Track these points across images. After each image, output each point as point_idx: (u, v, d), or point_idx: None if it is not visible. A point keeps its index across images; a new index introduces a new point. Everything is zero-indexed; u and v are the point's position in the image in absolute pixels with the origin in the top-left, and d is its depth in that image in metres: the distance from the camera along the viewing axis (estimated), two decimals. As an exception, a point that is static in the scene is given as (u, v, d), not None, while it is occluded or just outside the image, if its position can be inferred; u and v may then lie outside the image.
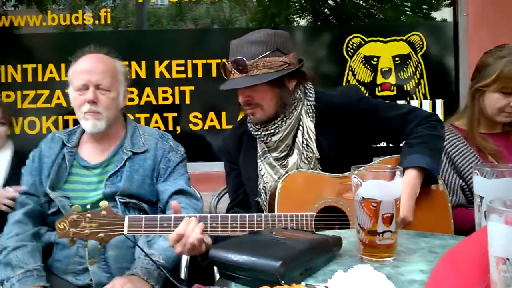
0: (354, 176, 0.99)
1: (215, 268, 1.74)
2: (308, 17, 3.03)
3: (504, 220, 0.63)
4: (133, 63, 2.64)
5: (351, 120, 1.55)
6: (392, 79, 2.68)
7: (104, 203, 1.35)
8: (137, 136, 1.73)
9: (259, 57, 1.46)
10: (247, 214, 1.37)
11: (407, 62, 2.68)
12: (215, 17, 3.13)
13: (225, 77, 1.54)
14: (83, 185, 1.66)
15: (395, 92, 2.68)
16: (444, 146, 1.58)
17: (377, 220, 0.97)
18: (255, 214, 1.37)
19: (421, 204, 1.45)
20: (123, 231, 1.33)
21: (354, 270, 0.79)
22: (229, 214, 1.38)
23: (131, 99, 2.62)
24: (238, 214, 1.37)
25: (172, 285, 1.52)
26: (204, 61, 2.65)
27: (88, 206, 1.36)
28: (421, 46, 2.68)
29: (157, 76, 2.65)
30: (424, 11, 2.99)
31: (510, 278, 0.62)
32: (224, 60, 1.54)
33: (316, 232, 1.17)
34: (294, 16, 3.03)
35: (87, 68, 1.62)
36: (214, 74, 2.65)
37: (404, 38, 2.68)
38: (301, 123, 1.55)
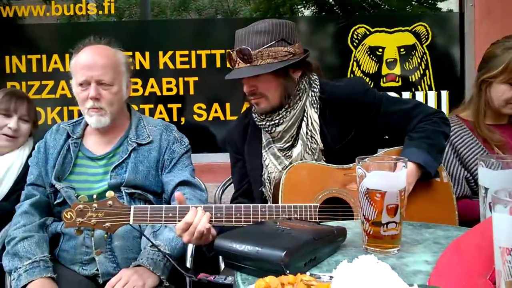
0: (359, 167, 0.99)
1: (220, 258, 1.76)
2: (313, 8, 3.01)
3: (509, 210, 0.62)
4: (137, 54, 2.63)
5: (356, 112, 1.54)
6: (397, 70, 2.67)
7: (110, 193, 1.36)
8: (142, 127, 1.73)
9: (264, 46, 1.45)
10: (251, 205, 1.38)
11: (412, 53, 2.66)
12: (219, 7, 3.11)
13: (231, 67, 1.54)
14: (88, 176, 1.67)
15: (400, 83, 2.67)
16: (446, 142, 1.56)
17: (381, 211, 0.97)
18: (259, 205, 1.38)
19: (425, 196, 1.45)
20: (129, 220, 1.35)
21: (359, 260, 0.79)
22: (233, 205, 1.38)
23: (135, 90, 2.62)
24: (242, 205, 1.38)
25: (178, 276, 1.54)
26: (208, 51, 2.64)
27: (95, 196, 1.37)
28: (426, 36, 2.66)
29: (161, 67, 2.65)
30: (430, 1, 2.96)
31: (515, 269, 0.62)
32: (228, 50, 1.54)
33: (321, 223, 1.17)
34: (299, 6, 3.02)
35: (88, 63, 1.60)
36: (218, 65, 2.64)
37: (409, 28, 2.66)
38: (305, 114, 1.55)
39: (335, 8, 3.01)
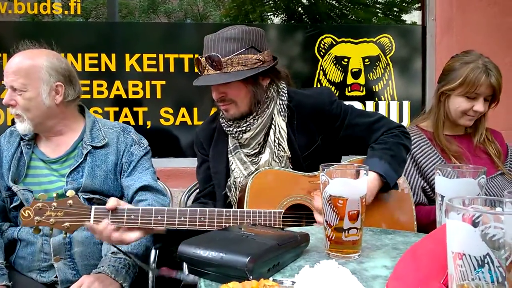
0: (323, 174, 1.02)
1: (184, 264, 1.74)
2: (282, 15, 3.05)
3: (461, 217, 0.66)
4: (103, 56, 2.59)
5: (321, 122, 1.57)
6: (361, 80, 2.74)
7: (71, 192, 1.33)
8: (97, 130, 1.68)
9: (234, 54, 1.46)
10: (216, 209, 1.38)
11: (376, 64, 2.74)
12: (188, 11, 3.11)
13: (199, 73, 1.54)
14: (43, 178, 1.62)
15: (364, 93, 2.74)
16: (407, 154, 1.61)
17: (343, 217, 0.99)
18: (223, 209, 1.38)
19: (386, 206, 1.50)
20: (89, 221, 1.31)
21: (320, 265, 0.81)
22: (198, 209, 1.38)
23: (101, 92, 2.57)
24: (207, 209, 1.38)
25: (140, 284, 1.52)
26: (176, 55, 2.63)
27: (55, 195, 1.33)
28: (390, 48, 2.75)
29: (127, 69, 2.61)
30: (395, 13, 3.07)
31: (465, 272, 0.65)
32: (197, 56, 1.53)
33: (284, 229, 1.19)
34: (269, 14, 3.05)
35: (5, 69, 1.58)
36: (186, 69, 2.63)
37: (374, 40, 2.75)
38: (273, 122, 1.57)
39: (304, 16, 3.06)
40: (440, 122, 1.85)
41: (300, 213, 1.48)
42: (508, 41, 2.72)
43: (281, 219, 1.39)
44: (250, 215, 1.37)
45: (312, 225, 1.42)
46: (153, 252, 1.66)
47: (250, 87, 1.51)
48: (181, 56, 2.63)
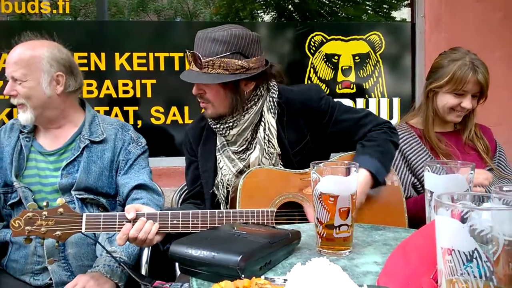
0: (313, 172, 1.02)
1: (176, 264, 1.74)
2: (273, 13, 3.05)
3: (450, 213, 0.66)
4: (93, 55, 2.57)
5: (310, 118, 1.58)
6: (352, 77, 2.75)
7: (61, 200, 1.32)
8: (96, 125, 1.68)
9: (217, 56, 1.45)
10: (208, 211, 1.38)
11: (366, 61, 2.76)
12: (179, 9, 3.09)
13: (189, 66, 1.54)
14: (39, 171, 1.61)
15: (354, 90, 2.76)
16: (395, 150, 1.62)
17: (334, 214, 1.00)
18: (216, 211, 1.38)
19: (376, 199, 1.51)
20: (81, 229, 1.31)
21: (312, 263, 0.81)
22: (190, 211, 1.37)
23: (90, 92, 2.55)
24: (200, 211, 1.38)
25: (135, 283, 1.51)
26: (167, 54, 2.62)
27: (45, 203, 1.32)
28: (380, 45, 2.76)
29: (117, 68, 2.60)
30: (385, 10, 3.08)
31: (454, 267, 0.66)
32: (187, 49, 1.53)
33: (276, 227, 1.19)
34: (259, 11, 3.05)
35: (7, 61, 1.59)
36: (176, 68, 2.62)
37: (364, 37, 2.76)
38: (263, 119, 1.57)
39: (294, 14, 3.06)
40: (430, 119, 1.87)
41: (293, 211, 1.49)
42: (497, 37, 2.75)
43: (274, 217, 1.39)
44: (243, 215, 1.37)
45: (305, 222, 1.42)
46: (144, 258, 1.66)
47: (229, 92, 1.50)
48: (171, 54, 2.61)
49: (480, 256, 0.64)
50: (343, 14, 3.09)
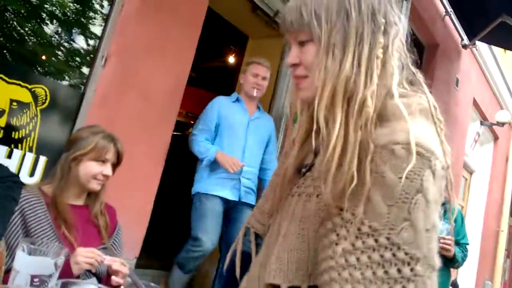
0: None
1: None
2: None
3: None
4: None
5: None
6: (2, 121, 2.48)
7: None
8: None
9: None
10: None
11: (25, 111, 2.57)
12: None
13: None
14: None
15: (1, 135, 2.45)
16: (17, 208, 1.55)
17: None
18: None
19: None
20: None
21: None
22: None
23: None
24: None
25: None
26: None
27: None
28: (44, 100, 2.64)
29: None
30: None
31: None
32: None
33: None
34: None
35: None
36: None
37: (29, 86, 2.59)
38: None
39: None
40: (64, 190, 1.90)
41: None
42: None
43: None
44: None
45: None
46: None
47: None
48: None
49: None
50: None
